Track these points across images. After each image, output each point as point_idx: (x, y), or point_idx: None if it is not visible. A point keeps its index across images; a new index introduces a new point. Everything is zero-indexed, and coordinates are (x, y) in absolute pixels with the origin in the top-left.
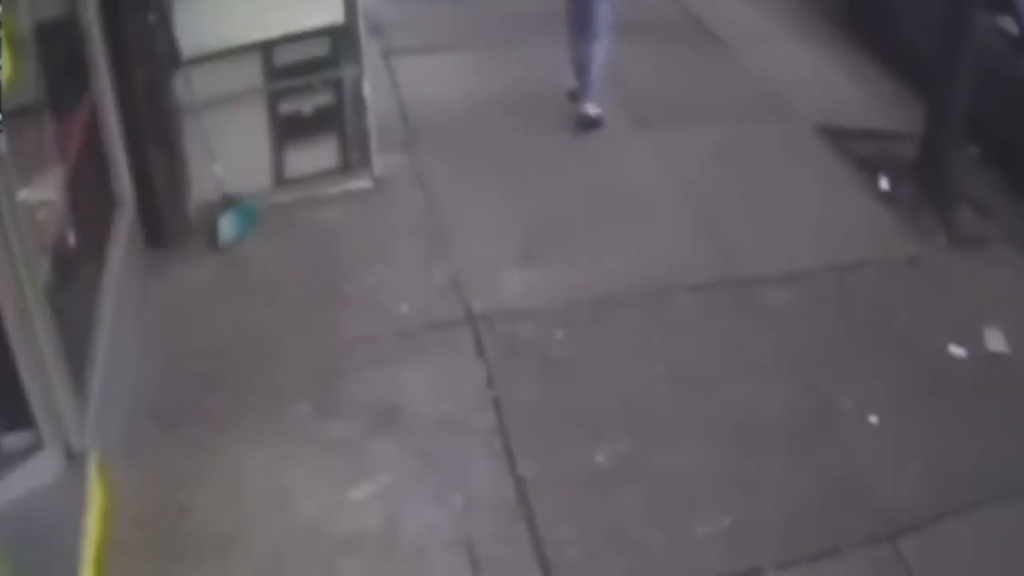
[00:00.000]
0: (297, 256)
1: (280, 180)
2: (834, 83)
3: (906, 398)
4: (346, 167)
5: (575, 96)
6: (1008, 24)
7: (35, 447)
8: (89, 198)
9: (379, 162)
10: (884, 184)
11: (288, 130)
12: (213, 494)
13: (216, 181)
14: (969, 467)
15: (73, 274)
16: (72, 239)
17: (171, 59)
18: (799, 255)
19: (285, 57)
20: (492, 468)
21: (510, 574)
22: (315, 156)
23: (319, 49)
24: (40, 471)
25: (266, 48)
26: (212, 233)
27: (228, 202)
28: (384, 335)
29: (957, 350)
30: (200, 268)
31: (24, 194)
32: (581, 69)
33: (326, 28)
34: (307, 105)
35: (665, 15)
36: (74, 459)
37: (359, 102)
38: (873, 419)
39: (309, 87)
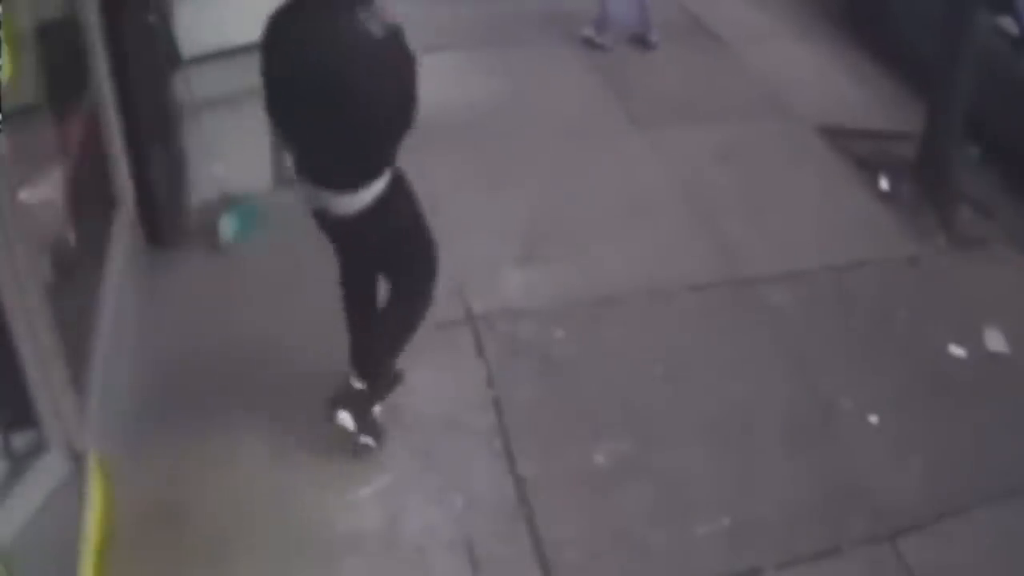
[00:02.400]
0: (297, 256)
1: (280, 180)
2: (834, 83)
3: (906, 398)
4: None
5: (592, 42)
6: (1008, 24)
7: (39, 448)
8: (89, 198)
9: None
10: (884, 184)
11: None
12: (213, 494)
13: (216, 181)
14: (969, 467)
15: (73, 274)
16: (72, 239)
17: (171, 59)
18: (799, 255)
19: None
20: (492, 468)
21: (510, 574)
22: None
23: None
24: (42, 472)
25: None
26: (212, 233)
27: (228, 202)
28: None
29: (957, 350)
30: (200, 268)
31: (24, 194)
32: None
33: None
34: None
35: (665, 15)
36: (74, 459)
37: None
38: (873, 419)
39: None
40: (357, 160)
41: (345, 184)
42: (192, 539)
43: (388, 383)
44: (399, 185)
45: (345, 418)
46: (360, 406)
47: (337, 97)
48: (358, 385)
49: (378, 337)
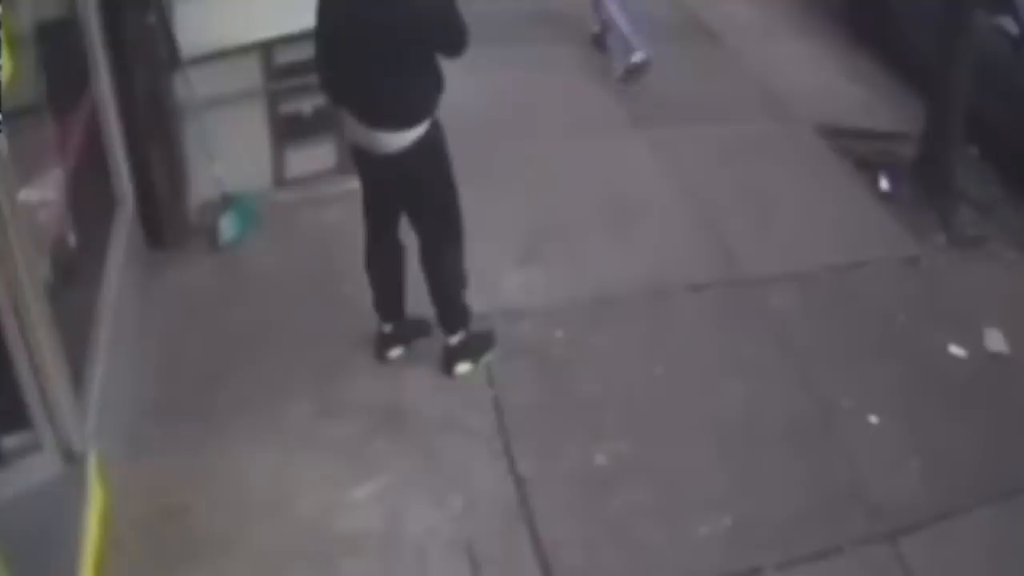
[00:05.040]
0: (297, 256)
1: (280, 180)
2: (834, 83)
3: (906, 398)
4: (346, 167)
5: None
6: (1008, 24)
7: (33, 448)
8: (89, 198)
9: None
10: (884, 184)
11: (288, 130)
12: (213, 494)
13: (216, 181)
14: (969, 467)
15: (73, 274)
16: (72, 239)
17: (171, 59)
18: (799, 255)
19: (285, 57)
20: (492, 468)
21: (510, 574)
22: (315, 156)
23: None
24: (37, 472)
25: (266, 48)
26: (212, 233)
27: (228, 202)
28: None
29: (957, 350)
30: (200, 268)
31: (24, 194)
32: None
33: None
34: (307, 105)
35: (664, 14)
36: (73, 460)
37: None
38: (873, 419)
39: (309, 87)
40: (407, 102)
41: (395, 124)
42: (192, 539)
43: (482, 337)
44: (438, 131)
45: (464, 367)
46: (467, 356)
47: (390, 38)
48: (454, 341)
49: (438, 286)
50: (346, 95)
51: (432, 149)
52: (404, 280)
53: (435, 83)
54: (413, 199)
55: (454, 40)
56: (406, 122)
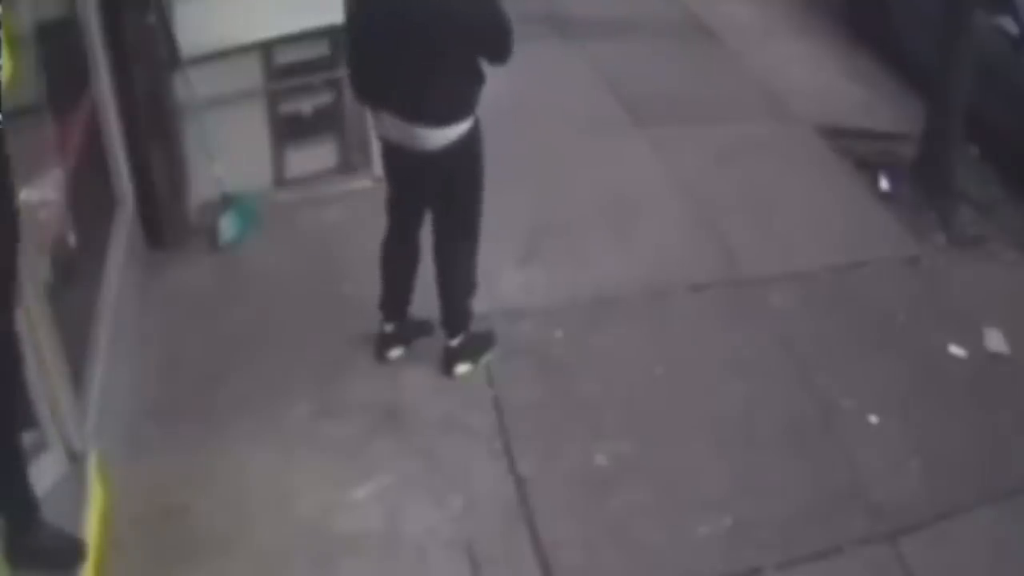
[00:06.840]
0: (297, 256)
1: (280, 180)
2: (834, 83)
3: (906, 398)
4: (346, 167)
5: None
6: (1008, 24)
7: (39, 448)
8: (89, 198)
9: (379, 162)
10: (884, 184)
11: (288, 130)
12: (213, 494)
13: (216, 181)
14: (969, 467)
15: (73, 274)
16: (72, 239)
17: (171, 59)
18: (799, 255)
19: (285, 57)
20: (492, 468)
21: (510, 574)
22: (315, 156)
23: (319, 49)
24: (44, 472)
25: (266, 48)
26: (212, 233)
27: (228, 202)
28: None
29: (957, 350)
30: (200, 268)
31: (24, 194)
32: None
33: (326, 28)
34: (307, 105)
35: (663, 13)
36: (74, 460)
37: None
38: (873, 419)
39: (309, 87)
40: (449, 98)
41: (437, 121)
42: (192, 539)
43: (482, 337)
44: (478, 130)
45: (464, 368)
46: (467, 357)
47: (428, 39)
48: (454, 343)
49: (447, 285)
50: (382, 93)
51: (470, 149)
52: (415, 281)
53: (477, 78)
54: (443, 198)
55: (500, 47)
56: (448, 119)
